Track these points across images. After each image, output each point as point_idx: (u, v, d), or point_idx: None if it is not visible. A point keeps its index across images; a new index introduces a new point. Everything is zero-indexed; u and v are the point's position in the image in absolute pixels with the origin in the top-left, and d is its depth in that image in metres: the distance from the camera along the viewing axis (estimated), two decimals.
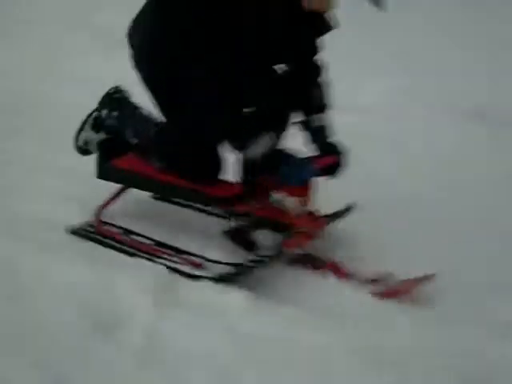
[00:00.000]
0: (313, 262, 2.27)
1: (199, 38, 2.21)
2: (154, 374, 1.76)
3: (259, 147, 2.12)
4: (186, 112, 2.29)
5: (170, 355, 1.82)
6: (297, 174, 2.19)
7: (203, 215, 2.58)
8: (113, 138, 2.55)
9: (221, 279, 2.14)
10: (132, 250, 2.36)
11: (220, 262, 2.22)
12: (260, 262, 2.16)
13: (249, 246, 2.28)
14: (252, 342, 1.88)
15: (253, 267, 2.15)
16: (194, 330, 1.91)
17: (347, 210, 2.42)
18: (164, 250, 2.35)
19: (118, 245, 2.40)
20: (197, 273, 2.19)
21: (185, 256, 2.30)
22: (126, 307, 1.98)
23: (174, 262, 2.27)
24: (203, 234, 2.46)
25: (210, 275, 2.16)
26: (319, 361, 1.82)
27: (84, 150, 2.60)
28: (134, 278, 2.10)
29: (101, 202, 2.55)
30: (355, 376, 1.77)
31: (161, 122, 2.43)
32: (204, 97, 2.25)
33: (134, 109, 2.55)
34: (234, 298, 2.05)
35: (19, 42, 4.75)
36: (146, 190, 2.52)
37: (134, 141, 2.48)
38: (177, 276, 2.17)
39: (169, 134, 2.37)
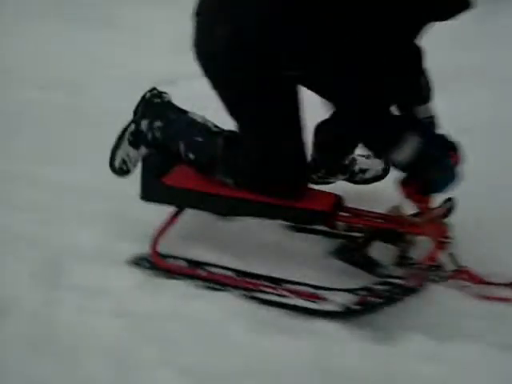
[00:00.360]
0: (438, 273, 1.88)
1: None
2: (48, 361, 1.68)
3: (406, 150, 1.68)
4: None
5: (64, 341, 1.74)
6: (449, 181, 1.74)
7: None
8: (158, 152, 2.06)
9: (352, 312, 1.73)
10: (212, 285, 1.89)
11: (346, 290, 1.76)
12: (401, 288, 1.73)
13: (368, 264, 1.85)
14: (147, 320, 1.79)
15: (394, 295, 1.72)
16: (85, 312, 1.82)
17: (450, 207, 2.05)
18: (253, 281, 1.87)
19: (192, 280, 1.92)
20: (318, 307, 1.74)
21: (286, 286, 1.83)
22: (11, 293, 1.89)
23: (275, 295, 1.81)
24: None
25: (337, 309, 1.73)
26: (221, 335, 1.72)
27: (123, 171, 2.09)
28: (19, 262, 2.00)
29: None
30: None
31: (230, 131, 1.96)
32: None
33: (183, 116, 2.05)
34: (123, 278, 1.93)
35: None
36: (212, 210, 2.01)
37: (191, 156, 1.98)
38: (64, 258, 2.00)
39: (248, 145, 1.87)
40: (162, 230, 2.02)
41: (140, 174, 2.06)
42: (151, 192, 2.04)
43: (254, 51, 1.70)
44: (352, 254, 1.88)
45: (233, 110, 1.84)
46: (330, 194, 1.93)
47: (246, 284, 1.86)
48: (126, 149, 2.06)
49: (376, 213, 1.92)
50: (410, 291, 1.74)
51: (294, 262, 1.97)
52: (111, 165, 2.08)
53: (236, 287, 1.86)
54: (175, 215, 2.05)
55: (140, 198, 2.06)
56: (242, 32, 1.70)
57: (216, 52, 1.76)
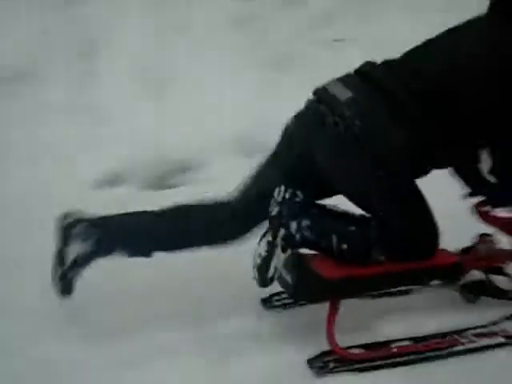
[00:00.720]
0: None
1: None
2: None
3: None
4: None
5: None
6: None
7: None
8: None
9: None
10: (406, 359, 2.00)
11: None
12: None
13: (502, 292, 2.23)
14: None
15: None
16: None
17: None
18: (440, 340, 2.05)
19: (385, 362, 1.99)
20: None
21: (465, 334, 2.08)
22: None
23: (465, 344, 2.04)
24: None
25: None
26: None
27: (272, 281, 2.03)
28: None
29: None
30: None
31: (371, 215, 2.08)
32: None
33: (323, 208, 2.10)
34: None
35: None
36: (375, 289, 2.08)
37: (344, 246, 2.03)
38: None
39: (397, 225, 2.05)
40: (331, 325, 2.01)
41: (288, 276, 2.03)
42: (309, 289, 2.03)
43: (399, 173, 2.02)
44: (485, 287, 2.24)
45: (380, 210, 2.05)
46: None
47: (439, 345, 2.05)
48: (279, 256, 1.99)
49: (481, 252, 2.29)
50: None
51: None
52: (263, 276, 1.99)
53: (433, 350, 2.03)
54: (334, 307, 2.05)
55: (296, 299, 2.12)
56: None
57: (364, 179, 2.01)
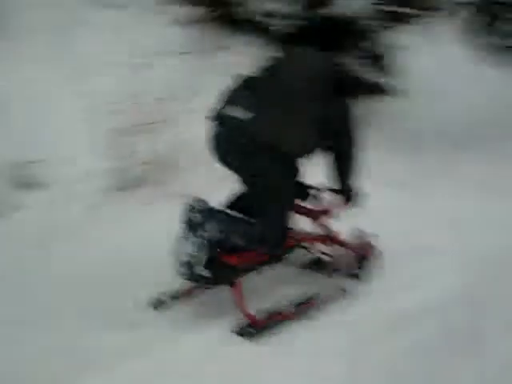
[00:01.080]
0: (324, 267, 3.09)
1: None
2: None
3: None
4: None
5: None
6: None
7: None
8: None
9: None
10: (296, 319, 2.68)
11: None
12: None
13: (326, 266, 3.03)
14: None
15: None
16: None
17: None
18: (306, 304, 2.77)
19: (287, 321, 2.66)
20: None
21: (319, 296, 2.82)
22: None
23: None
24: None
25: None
26: None
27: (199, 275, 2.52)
28: None
29: None
30: None
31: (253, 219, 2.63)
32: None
33: (226, 215, 2.62)
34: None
35: None
36: (255, 270, 2.73)
37: (243, 242, 2.60)
38: None
39: (273, 224, 2.63)
40: (242, 301, 2.56)
41: (205, 271, 2.52)
42: (222, 276, 2.58)
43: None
44: (317, 263, 3.05)
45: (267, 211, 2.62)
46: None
47: (309, 305, 2.78)
48: (201, 254, 2.48)
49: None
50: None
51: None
52: (192, 271, 2.47)
53: (308, 310, 2.75)
54: (239, 287, 2.59)
55: (215, 285, 2.64)
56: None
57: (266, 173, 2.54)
